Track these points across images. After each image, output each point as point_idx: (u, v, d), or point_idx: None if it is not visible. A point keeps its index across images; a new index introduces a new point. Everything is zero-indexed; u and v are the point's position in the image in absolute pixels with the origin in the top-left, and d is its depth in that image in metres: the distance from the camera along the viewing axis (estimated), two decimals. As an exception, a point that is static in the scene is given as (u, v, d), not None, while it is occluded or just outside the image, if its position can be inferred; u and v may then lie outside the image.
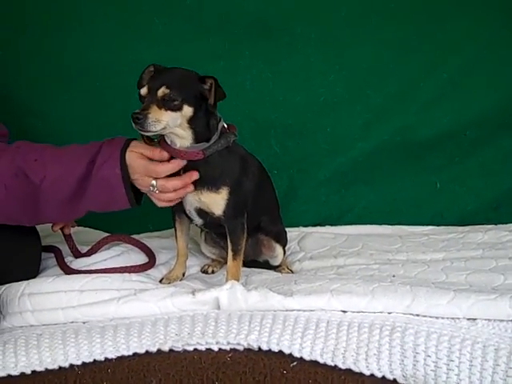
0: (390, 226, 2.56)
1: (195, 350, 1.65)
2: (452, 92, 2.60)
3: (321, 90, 2.60)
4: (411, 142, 2.64)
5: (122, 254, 2.11)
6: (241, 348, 1.65)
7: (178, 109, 1.82)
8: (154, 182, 1.88)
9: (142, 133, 1.83)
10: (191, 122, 1.85)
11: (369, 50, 2.58)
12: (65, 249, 2.13)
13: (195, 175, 1.90)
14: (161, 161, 1.88)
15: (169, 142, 1.90)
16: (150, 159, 1.88)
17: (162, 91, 1.80)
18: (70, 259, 2.09)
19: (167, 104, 1.80)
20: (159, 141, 1.93)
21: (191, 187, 1.91)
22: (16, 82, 2.55)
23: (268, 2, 2.54)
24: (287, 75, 2.60)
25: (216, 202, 1.93)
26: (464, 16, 2.55)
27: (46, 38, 2.55)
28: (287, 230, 2.27)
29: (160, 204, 1.93)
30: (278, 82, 2.59)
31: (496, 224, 2.49)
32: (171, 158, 1.89)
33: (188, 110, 1.84)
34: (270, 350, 1.63)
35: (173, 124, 1.82)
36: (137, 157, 1.87)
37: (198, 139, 1.88)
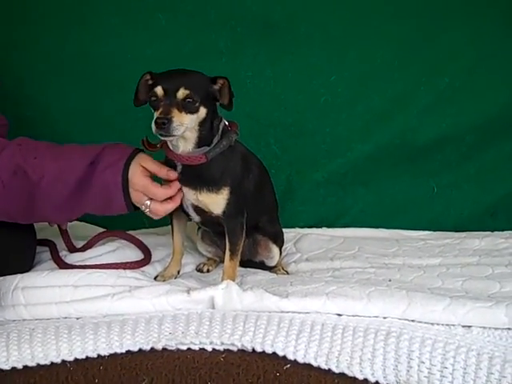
0: (386, 230, 2.56)
1: (189, 349, 1.65)
2: (452, 97, 2.60)
3: (322, 91, 2.59)
4: (410, 145, 2.63)
5: (117, 250, 2.10)
6: (234, 349, 1.64)
7: (195, 111, 1.79)
8: (148, 202, 1.88)
9: (164, 138, 1.80)
10: (201, 123, 1.83)
11: (371, 53, 2.57)
12: (60, 243, 2.12)
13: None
14: (165, 180, 1.89)
15: (170, 147, 1.89)
16: (152, 176, 1.88)
17: (182, 93, 1.76)
18: (64, 253, 2.08)
19: (187, 106, 1.77)
20: (161, 145, 1.91)
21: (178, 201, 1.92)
22: (17, 74, 2.52)
23: (272, 0, 2.53)
24: (289, 74, 2.58)
25: (216, 202, 1.91)
26: (465, 21, 2.54)
27: (48, 30, 2.54)
28: (283, 230, 2.26)
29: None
30: (279, 81, 2.58)
31: (492, 231, 2.49)
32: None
33: (203, 112, 1.81)
34: (263, 352, 1.62)
35: (190, 126, 1.80)
36: (140, 173, 1.86)
37: (200, 142, 1.86)
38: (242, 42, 2.55)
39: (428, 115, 2.61)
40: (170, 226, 2.10)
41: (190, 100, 1.77)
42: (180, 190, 1.91)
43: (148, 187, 1.87)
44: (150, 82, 1.84)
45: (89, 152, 1.88)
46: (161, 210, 1.90)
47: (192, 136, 1.84)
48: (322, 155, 2.63)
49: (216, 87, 1.84)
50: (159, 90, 1.78)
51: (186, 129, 1.78)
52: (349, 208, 2.66)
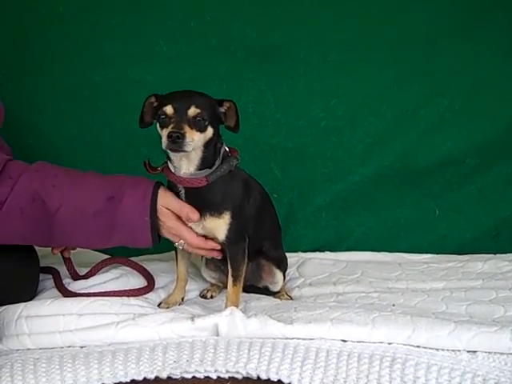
0: (389, 253, 2.56)
1: (194, 377, 1.64)
2: (452, 119, 2.61)
3: (322, 115, 2.61)
4: (411, 168, 2.64)
5: (120, 277, 2.10)
6: (239, 376, 1.63)
7: (204, 130, 1.82)
8: (182, 241, 1.94)
9: (176, 153, 1.81)
10: (207, 144, 1.85)
11: (370, 76, 2.58)
12: (63, 270, 2.11)
13: (217, 249, 1.98)
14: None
15: (172, 169, 1.90)
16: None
17: (193, 111, 1.79)
18: (68, 281, 2.08)
19: (197, 124, 1.80)
20: (163, 168, 1.92)
21: (217, 253, 1.99)
22: (18, 101, 2.53)
23: (271, 26, 2.55)
24: (289, 99, 2.60)
25: (219, 226, 1.92)
26: (464, 44, 2.56)
27: (49, 57, 2.56)
28: (286, 254, 2.26)
29: None
30: (279, 105, 2.60)
31: (495, 253, 2.49)
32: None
33: (209, 132, 1.84)
34: (269, 380, 1.62)
35: (198, 145, 1.82)
36: (171, 216, 1.91)
37: (203, 164, 1.87)
38: (242, 68, 2.56)
39: (428, 138, 2.62)
40: (173, 252, 2.11)
41: (200, 118, 1.80)
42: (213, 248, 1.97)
43: (181, 232, 1.92)
44: (155, 103, 1.86)
45: (109, 184, 1.90)
46: (194, 251, 1.98)
47: (196, 156, 1.86)
48: (324, 179, 2.64)
49: (222, 110, 1.87)
50: (169, 108, 1.80)
51: (195, 146, 1.80)
52: (351, 231, 2.67)
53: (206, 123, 1.81)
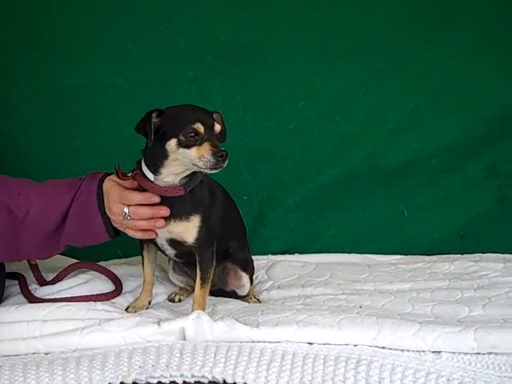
0: (358, 255, 2.57)
1: (159, 382, 1.63)
2: (418, 121, 2.64)
3: (291, 117, 2.62)
4: (379, 169, 2.66)
5: (88, 282, 2.09)
6: (205, 381, 1.63)
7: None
8: (125, 208, 1.86)
9: (215, 171, 1.78)
10: None
11: (338, 79, 2.60)
12: (29, 275, 2.10)
13: (166, 211, 1.87)
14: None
15: (151, 178, 1.86)
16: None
17: (218, 127, 1.81)
18: (34, 287, 2.06)
19: (219, 139, 1.81)
20: (133, 176, 1.89)
21: (162, 222, 1.88)
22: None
23: (240, 29, 2.55)
24: (258, 101, 2.61)
25: (188, 230, 1.91)
26: (429, 46, 2.59)
27: (17, 61, 2.54)
28: (256, 257, 2.27)
29: (133, 234, 1.92)
30: (248, 107, 2.60)
31: (462, 253, 2.51)
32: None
33: None
34: (235, 383, 1.61)
35: None
36: (113, 184, 1.88)
37: (190, 174, 1.86)
38: (211, 70, 2.57)
39: (395, 139, 2.64)
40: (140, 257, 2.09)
41: (221, 133, 1.83)
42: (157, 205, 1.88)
43: (122, 193, 1.86)
44: (155, 119, 1.81)
45: (72, 184, 1.89)
46: (139, 212, 1.86)
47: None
48: (293, 180, 2.65)
49: None
50: (200, 126, 1.77)
51: None
52: (321, 233, 2.67)
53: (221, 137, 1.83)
